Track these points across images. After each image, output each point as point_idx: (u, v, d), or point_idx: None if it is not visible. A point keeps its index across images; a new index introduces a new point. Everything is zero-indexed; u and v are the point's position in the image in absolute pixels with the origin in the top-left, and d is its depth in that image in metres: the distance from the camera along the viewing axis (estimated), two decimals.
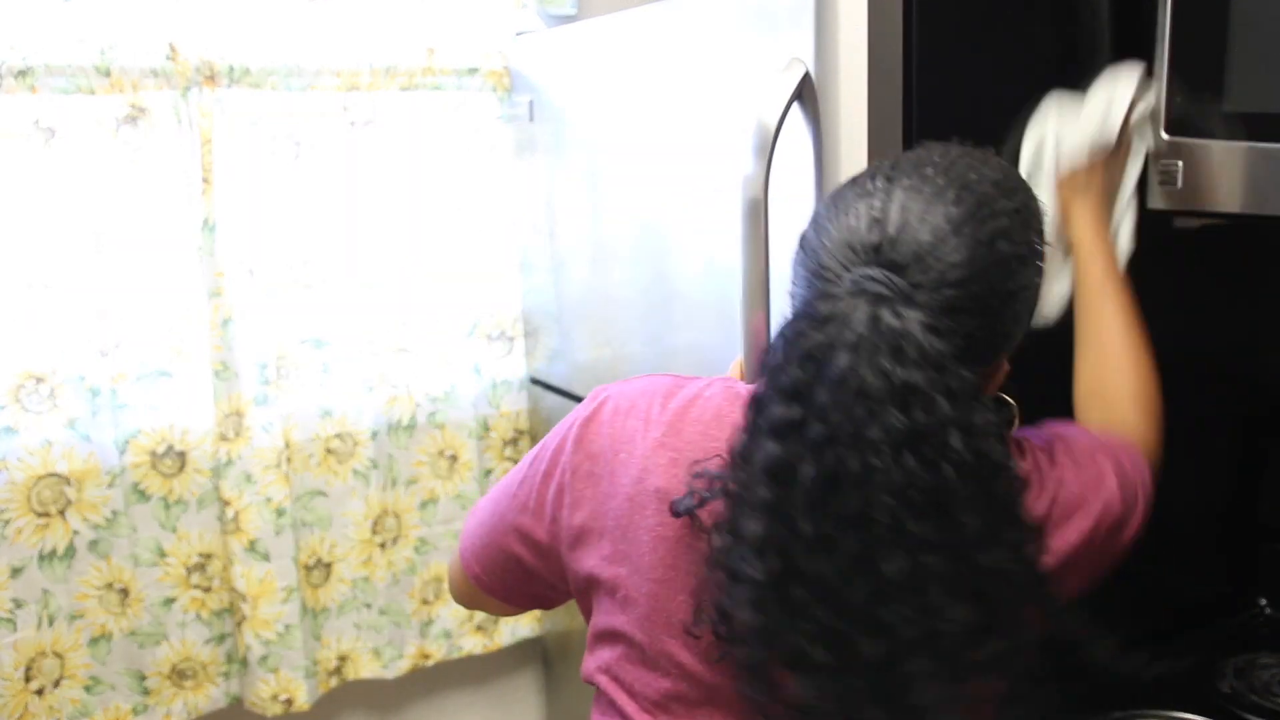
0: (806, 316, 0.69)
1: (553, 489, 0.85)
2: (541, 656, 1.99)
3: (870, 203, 0.71)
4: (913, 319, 0.66)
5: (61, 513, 1.51)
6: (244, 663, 1.66)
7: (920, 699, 0.68)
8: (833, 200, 0.75)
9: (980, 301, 0.69)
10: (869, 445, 0.65)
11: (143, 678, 1.62)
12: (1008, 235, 0.71)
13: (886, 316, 0.66)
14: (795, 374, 0.68)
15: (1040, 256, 0.75)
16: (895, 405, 0.65)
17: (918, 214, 0.70)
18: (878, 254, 0.69)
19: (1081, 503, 0.79)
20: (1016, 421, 0.82)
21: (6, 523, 1.47)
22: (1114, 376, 0.95)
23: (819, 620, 0.68)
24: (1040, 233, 0.76)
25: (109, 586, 1.56)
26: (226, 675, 1.68)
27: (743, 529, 0.70)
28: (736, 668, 0.74)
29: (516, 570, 0.91)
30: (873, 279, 0.68)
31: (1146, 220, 1.10)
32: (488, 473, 1.84)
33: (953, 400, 0.66)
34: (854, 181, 0.75)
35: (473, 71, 1.70)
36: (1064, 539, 0.78)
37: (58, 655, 1.54)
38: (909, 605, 0.66)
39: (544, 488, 0.86)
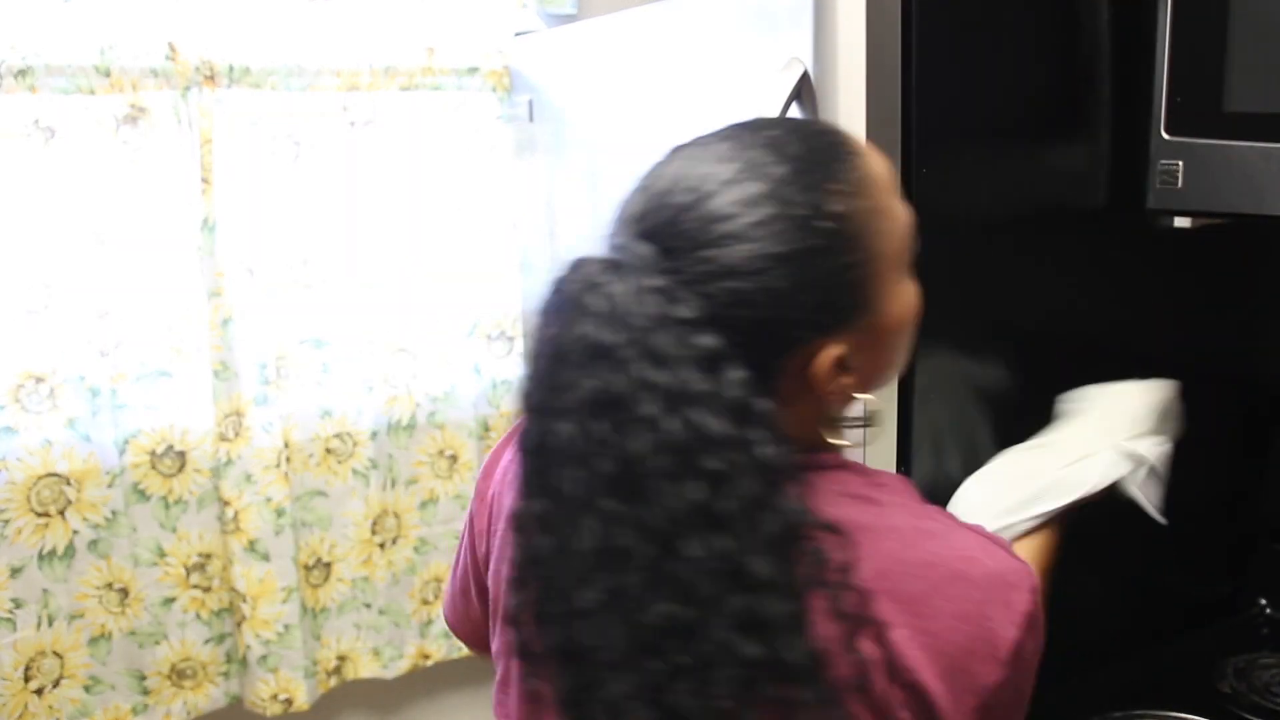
0: (550, 284, 0.67)
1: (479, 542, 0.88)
2: None
3: (649, 172, 0.70)
4: (632, 279, 0.63)
5: (61, 513, 1.51)
6: (244, 662, 1.66)
7: (612, 693, 0.63)
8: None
9: (730, 268, 0.63)
10: (564, 411, 0.63)
11: (142, 677, 1.62)
12: (771, 197, 0.64)
13: (601, 276, 0.64)
14: (534, 344, 0.68)
15: (835, 226, 0.66)
16: (589, 368, 0.62)
17: (678, 178, 0.67)
18: (636, 223, 0.67)
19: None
20: (866, 424, 0.73)
21: (6, 522, 1.47)
22: None
23: (547, 602, 0.67)
24: (834, 194, 0.66)
25: (109, 586, 1.56)
26: (226, 675, 1.68)
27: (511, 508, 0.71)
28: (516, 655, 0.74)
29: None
30: (616, 247, 0.67)
31: (1147, 220, 1.10)
32: None
33: (655, 363, 0.61)
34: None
35: (472, 71, 1.70)
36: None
37: (57, 655, 1.54)
38: (603, 589, 0.62)
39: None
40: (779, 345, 0.66)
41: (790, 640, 0.61)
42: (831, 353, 0.66)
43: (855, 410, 0.74)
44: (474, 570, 0.89)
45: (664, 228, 0.66)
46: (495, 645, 0.82)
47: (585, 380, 0.62)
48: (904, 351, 0.75)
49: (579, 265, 0.66)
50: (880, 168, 0.71)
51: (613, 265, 0.64)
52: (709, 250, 0.64)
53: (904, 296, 0.72)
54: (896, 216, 0.70)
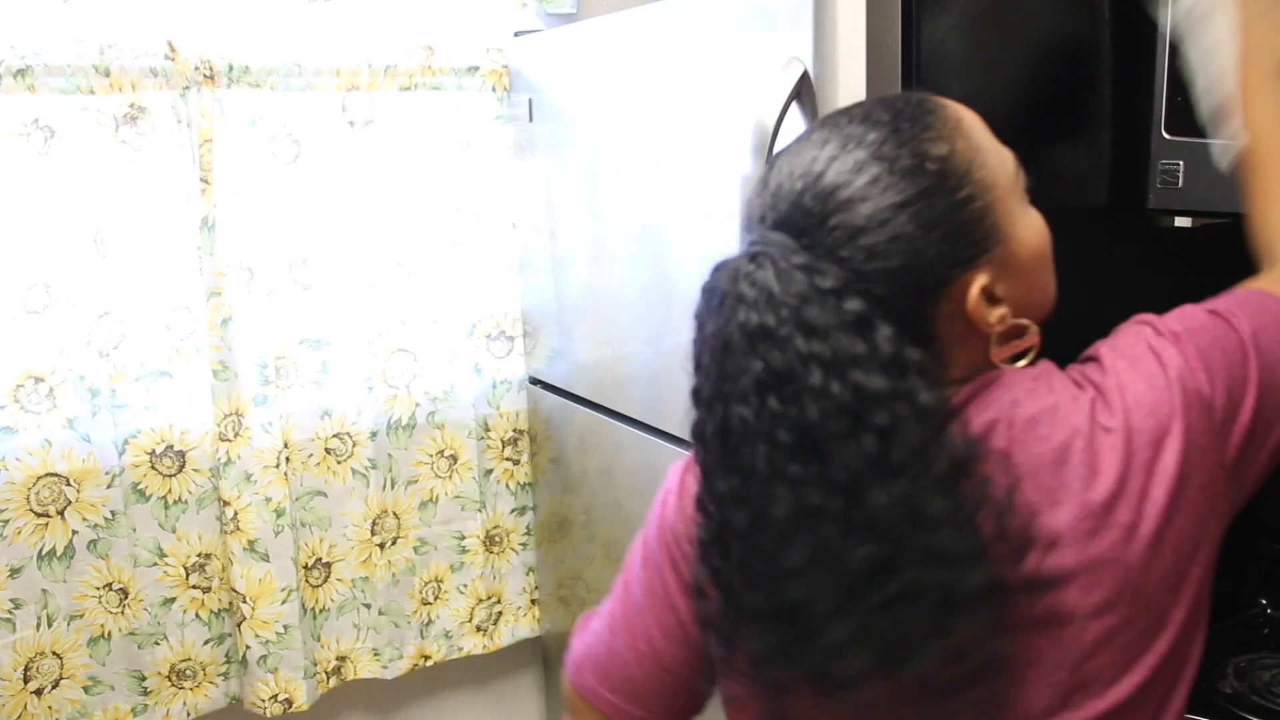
0: (701, 291, 0.73)
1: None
2: (541, 657, 1.99)
3: (759, 178, 0.75)
4: (770, 264, 0.68)
5: (61, 513, 1.51)
6: (243, 663, 1.66)
7: (831, 638, 0.68)
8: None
9: (858, 228, 0.69)
10: (739, 396, 0.68)
11: (142, 678, 1.61)
12: (876, 158, 0.70)
13: (745, 267, 0.69)
14: (695, 345, 0.73)
15: (941, 166, 0.71)
16: (752, 352, 0.67)
17: (789, 171, 0.72)
18: (762, 222, 0.72)
19: (1156, 405, 0.71)
20: (1032, 350, 0.75)
21: (6, 523, 1.47)
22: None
23: (750, 569, 0.71)
24: (932, 140, 0.71)
25: (108, 586, 1.56)
26: (226, 675, 1.68)
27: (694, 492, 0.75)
28: (702, 626, 0.77)
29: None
30: (751, 243, 0.71)
31: (1147, 220, 1.10)
32: (488, 473, 1.84)
33: (810, 335, 0.66)
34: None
35: (472, 71, 1.70)
36: (1163, 460, 0.70)
37: (57, 655, 1.54)
38: (807, 547, 0.67)
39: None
40: (924, 289, 0.70)
41: (968, 566, 0.66)
42: (978, 284, 0.71)
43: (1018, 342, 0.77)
44: (680, 606, 0.83)
45: (789, 214, 0.71)
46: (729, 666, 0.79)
47: (753, 363, 0.67)
48: (1050, 280, 0.78)
49: (721, 266, 0.71)
50: (969, 115, 0.75)
51: (754, 256, 0.69)
52: (835, 218, 0.69)
53: (1031, 224, 0.76)
54: (996, 151, 0.75)
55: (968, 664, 0.68)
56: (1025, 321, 0.74)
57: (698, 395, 0.72)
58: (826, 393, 0.65)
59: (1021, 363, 0.75)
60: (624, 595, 0.86)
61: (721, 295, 0.70)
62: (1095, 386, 0.73)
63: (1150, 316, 0.77)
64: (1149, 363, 0.73)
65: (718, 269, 0.72)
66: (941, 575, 0.66)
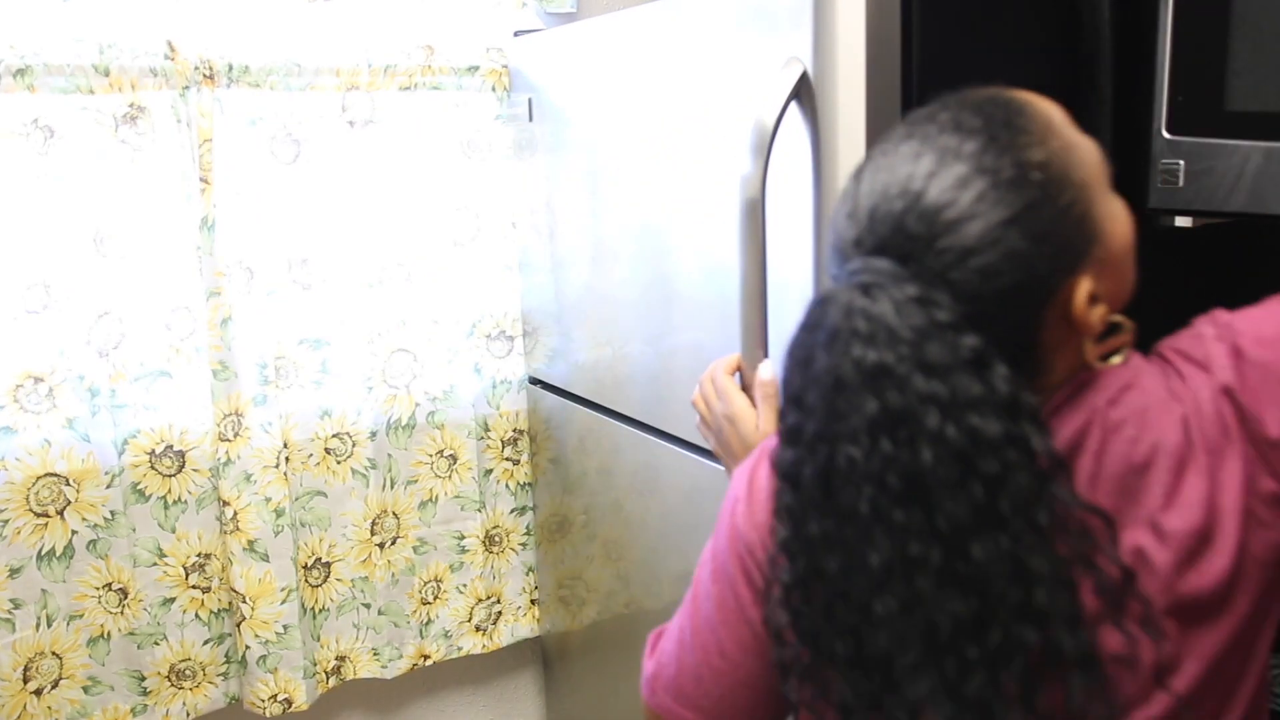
0: (801, 325, 0.70)
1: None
2: (540, 656, 1.99)
3: (846, 197, 0.72)
4: (886, 297, 0.65)
5: (60, 513, 1.51)
6: (243, 663, 1.65)
7: (914, 693, 0.66)
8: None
9: (968, 249, 0.66)
10: (848, 436, 0.65)
11: (141, 678, 1.61)
12: (979, 171, 0.67)
13: (858, 301, 0.66)
14: (794, 380, 0.70)
15: (1043, 173, 0.68)
16: (868, 390, 0.64)
17: (882, 190, 0.69)
18: (859, 247, 0.69)
19: (1219, 416, 0.70)
20: (1126, 349, 0.73)
21: (5, 523, 1.47)
22: None
23: (837, 616, 0.69)
24: (1029, 146, 0.69)
25: (108, 587, 1.56)
26: (225, 675, 1.68)
27: (777, 534, 0.73)
28: (780, 670, 0.74)
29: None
30: (854, 272, 0.68)
31: (1147, 220, 1.10)
32: (487, 473, 1.84)
33: (930, 374, 0.63)
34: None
35: (472, 71, 1.70)
36: (1223, 480, 0.69)
37: (56, 655, 1.54)
38: (898, 597, 0.65)
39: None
40: (1035, 302, 0.68)
41: (1067, 629, 0.64)
42: (1084, 288, 0.69)
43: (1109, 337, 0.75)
44: (754, 618, 0.80)
45: (891, 238, 0.68)
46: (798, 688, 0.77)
47: (868, 402, 0.64)
48: (1133, 268, 0.76)
49: (828, 299, 0.68)
50: (1051, 109, 0.73)
51: (866, 288, 0.66)
52: (943, 240, 0.66)
53: (1119, 215, 0.73)
54: (1084, 145, 0.72)
55: None
56: (1120, 318, 0.73)
57: (797, 434, 0.69)
58: (942, 437, 0.63)
59: (1116, 359, 0.73)
60: (694, 610, 0.83)
61: (833, 330, 0.66)
62: (1181, 390, 0.71)
63: (1222, 317, 0.76)
64: (1199, 367, 0.72)
65: (823, 302, 0.68)
66: (1035, 636, 0.64)
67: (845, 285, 0.68)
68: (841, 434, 0.66)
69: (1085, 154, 0.72)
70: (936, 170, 0.67)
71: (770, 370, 1.02)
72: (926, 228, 0.66)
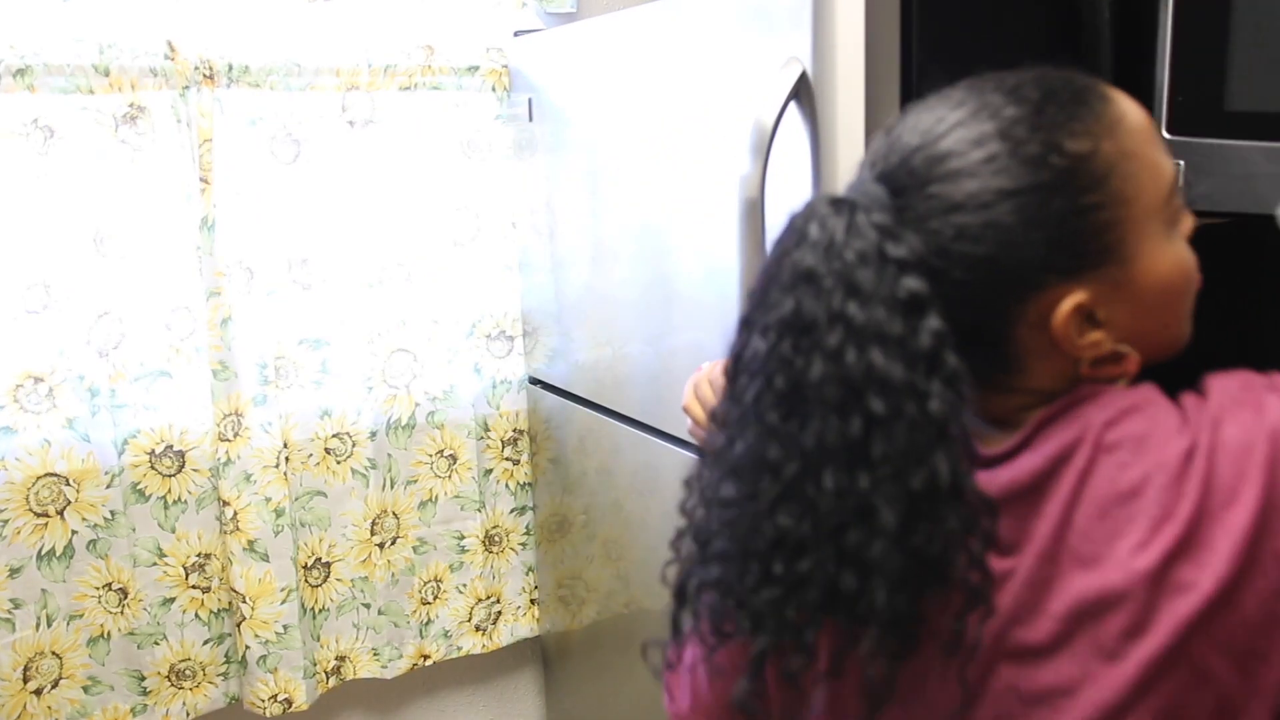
0: (786, 219, 0.69)
1: None
2: (540, 656, 1.99)
3: (892, 122, 0.71)
4: (846, 214, 0.64)
5: (60, 513, 1.51)
6: (243, 663, 1.66)
7: (705, 576, 0.68)
8: None
9: (955, 203, 0.64)
10: (761, 327, 0.66)
11: (141, 678, 1.61)
12: (1002, 135, 0.64)
13: (822, 209, 0.65)
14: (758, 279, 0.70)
15: (1073, 164, 0.64)
16: (790, 290, 0.64)
17: (913, 124, 0.68)
18: (871, 168, 0.69)
19: (1246, 455, 0.61)
20: (1125, 374, 0.68)
21: (5, 523, 1.47)
22: None
23: (705, 495, 0.70)
24: (1075, 133, 0.64)
25: (107, 586, 1.56)
26: (225, 675, 1.68)
27: None
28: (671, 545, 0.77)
29: None
30: (850, 187, 0.69)
31: None
32: (487, 473, 1.84)
33: (850, 295, 0.62)
34: None
35: (472, 70, 1.70)
36: (1228, 525, 0.60)
37: (56, 655, 1.54)
38: (740, 491, 0.66)
39: None
40: (1008, 286, 0.65)
41: (888, 589, 0.62)
42: (1072, 300, 0.65)
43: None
44: None
45: (895, 169, 0.67)
46: None
47: (786, 301, 0.64)
48: (1180, 318, 0.70)
49: (812, 202, 0.67)
50: (1137, 115, 0.69)
51: (838, 202, 0.66)
52: (935, 186, 0.65)
53: (1169, 254, 0.67)
54: (1153, 166, 0.67)
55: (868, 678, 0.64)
56: (1123, 348, 0.67)
57: (741, 314, 0.70)
58: (838, 357, 0.62)
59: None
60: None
61: (792, 230, 0.66)
62: (1194, 422, 0.64)
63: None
64: (1248, 409, 0.63)
65: (808, 203, 0.67)
66: (852, 584, 0.63)
67: (826, 197, 0.67)
68: (757, 323, 0.66)
69: (1147, 172, 0.66)
70: (965, 120, 0.66)
71: None
72: (926, 169, 0.65)
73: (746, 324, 0.68)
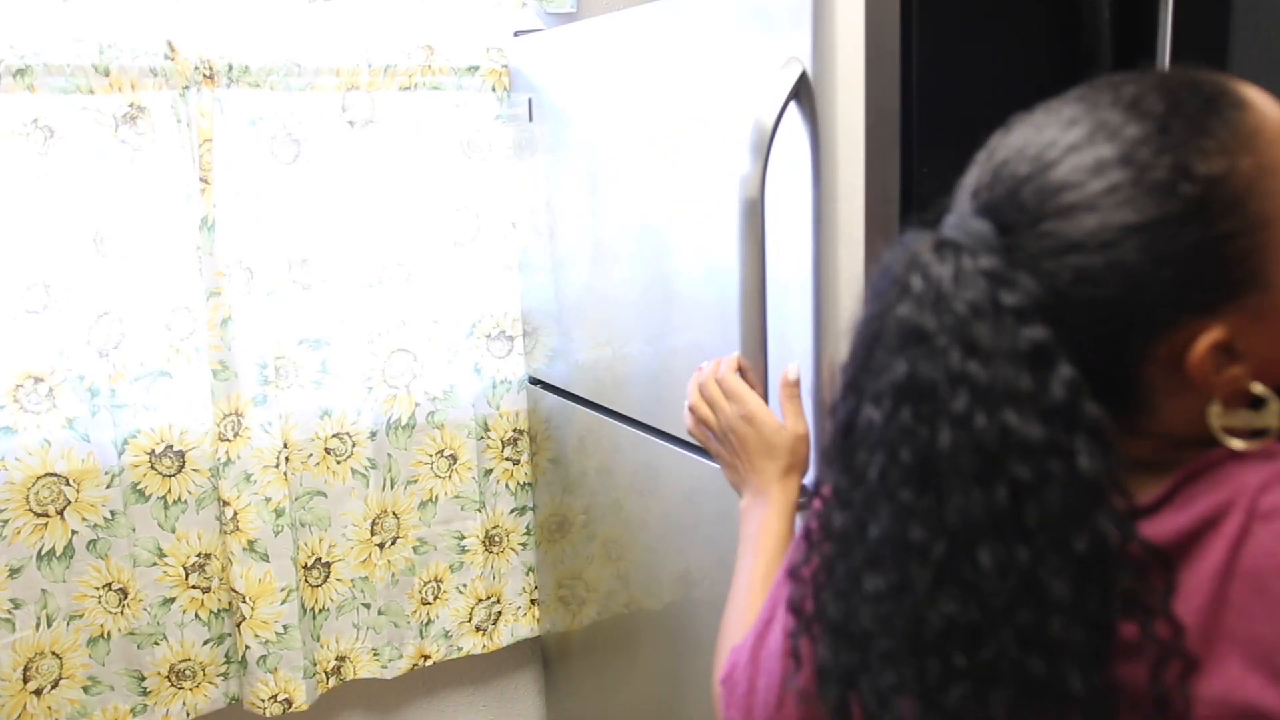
0: (879, 263, 0.63)
1: None
2: (540, 656, 1.99)
3: (992, 141, 0.64)
4: (953, 260, 0.58)
5: (60, 513, 1.51)
6: (243, 663, 1.66)
7: (884, 681, 0.60)
8: None
9: (1072, 243, 0.57)
10: (873, 393, 0.60)
11: (141, 678, 1.61)
12: (1124, 161, 0.57)
13: (925, 255, 0.59)
14: (855, 325, 0.64)
15: (1205, 190, 0.57)
16: (901, 351, 0.58)
17: (1020, 147, 0.61)
18: (975, 197, 0.62)
19: None
20: (1269, 435, 0.60)
21: (5, 523, 1.47)
22: None
23: (835, 575, 0.64)
24: (1206, 152, 0.57)
25: (107, 586, 1.56)
26: (225, 675, 1.68)
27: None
28: (789, 611, 0.72)
29: None
30: (950, 224, 0.61)
31: None
32: (487, 473, 1.84)
33: (970, 354, 0.56)
34: None
35: (472, 70, 1.70)
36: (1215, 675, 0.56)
37: (56, 655, 1.54)
38: (888, 579, 0.59)
39: None
40: (1137, 328, 0.58)
41: (1080, 668, 0.56)
42: (1210, 337, 0.57)
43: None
44: None
45: (1002, 202, 0.60)
46: None
47: (898, 364, 0.58)
48: None
49: (907, 242, 0.61)
50: (1277, 118, 0.60)
51: (942, 244, 0.59)
52: (1049, 224, 0.58)
53: None
54: None
55: None
56: (1262, 390, 0.59)
57: (843, 376, 0.64)
58: (967, 423, 0.56)
59: (1252, 443, 0.60)
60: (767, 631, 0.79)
61: (891, 278, 0.60)
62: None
63: None
64: None
65: (901, 245, 0.61)
66: (1041, 667, 0.56)
67: (928, 234, 0.61)
68: (867, 389, 0.60)
69: None
70: (1080, 145, 0.58)
71: (798, 371, 1.02)
72: (1038, 203, 0.58)
73: (853, 390, 0.62)
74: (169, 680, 1.64)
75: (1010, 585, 0.56)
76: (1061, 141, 0.59)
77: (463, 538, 1.82)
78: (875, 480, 0.60)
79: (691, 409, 1.07)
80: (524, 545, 1.89)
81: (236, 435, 1.59)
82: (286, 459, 1.64)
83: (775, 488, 0.96)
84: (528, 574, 1.90)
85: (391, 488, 1.75)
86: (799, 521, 0.84)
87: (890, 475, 0.59)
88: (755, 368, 1.04)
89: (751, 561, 0.92)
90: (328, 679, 1.75)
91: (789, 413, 1.00)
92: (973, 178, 0.63)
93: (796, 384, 1.01)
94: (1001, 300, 0.57)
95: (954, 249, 0.58)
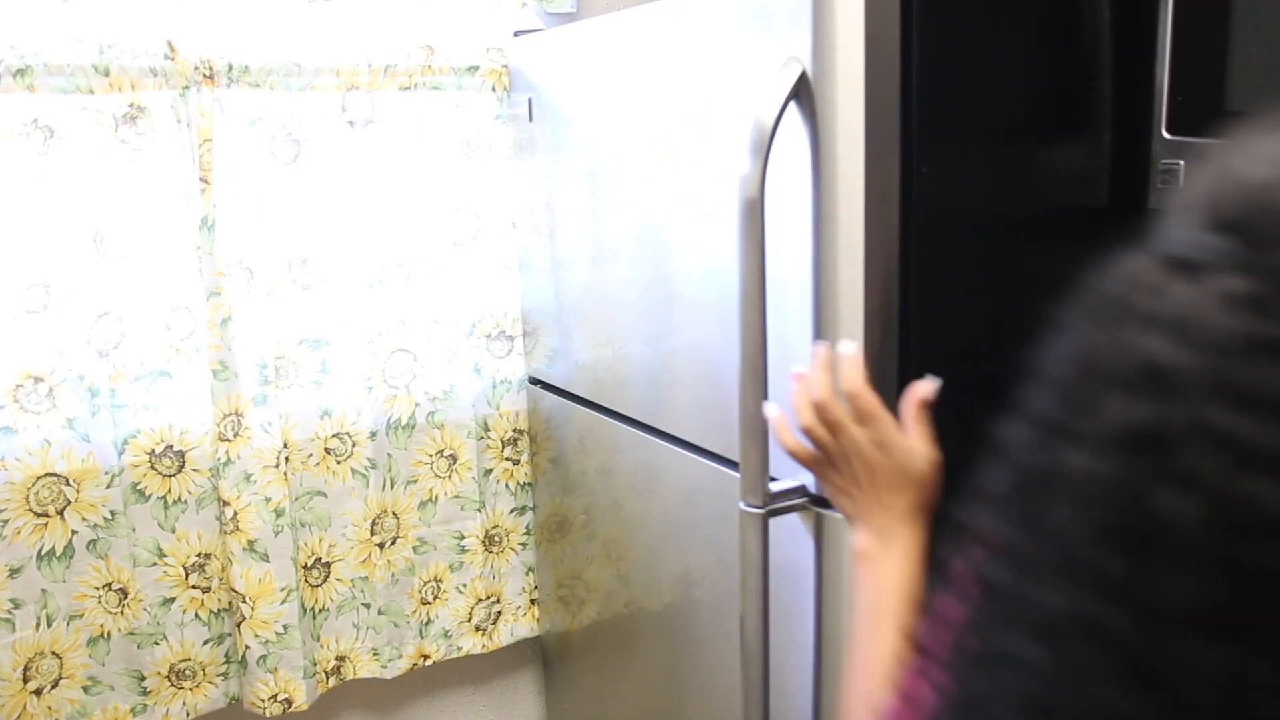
0: (1078, 287, 0.51)
1: None
2: (540, 656, 1.99)
3: (1221, 148, 0.50)
4: (1208, 284, 0.44)
5: (60, 513, 1.51)
6: (243, 663, 1.66)
7: None
8: None
9: None
10: (1077, 435, 0.47)
11: (141, 678, 1.61)
12: None
13: (1157, 275, 0.46)
14: (1049, 350, 0.51)
15: None
16: (1134, 392, 0.45)
17: (1265, 158, 0.47)
18: (1204, 212, 0.48)
19: None
20: None
21: (5, 523, 1.47)
22: None
23: (1017, 661, 0.49)
24: None
25: (107, 586, 1.56)
26: (225, 675, 1.68)
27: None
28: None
29: None
30: (1179, 239, 0.47)
31: (1147, 220, 1.10)
32: (487, 473, 1.84)
33: (1233, 403, 0.43)
34: None
35: (472, 70, 1.70)
36: None
37: (56, 655, 1.54)
38: (1050, 659, 0.47)
39: None
40: None
41: None
42: None
43: None
44: None
45: (1252, 215, 0.46)
46: None
47: (1123, 407, 0.45)
48: None
49: (1124, 261, 0.49)
50: None
51: (1175, 263, 0.46)
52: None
53: None
54: None
55: None
56: None
57: (1028, 407, 0.50)
58: (1221, 494, 0.42)
59: None
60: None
61: (1109, 299, 0.48)
62: None
63: None
64: None
65: (1117, 263, 0.49)
66: None
67: (1147, 251, 0.48)
68: (1069, 429, 0.47)
69: None
70: None
71: (933, 387, 0.91)
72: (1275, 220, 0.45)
73: (1056, 432, 0.48)
74: (169, 680, 1.64)
75: (1215, 699, 0.43)
76: None
77: (463, 538, 1.82)
78: (1068, 541, 0.46)
79: (807, 431, 0.93)
80: (524, 545, 1.89)
81: (236, 435, 1.59)
82: (286, 459, 1.64)
83: (903, 531, 0.86)
84: (527, 574, 1.90)
85: (391, 488, 1.75)
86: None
87: (1092, 539, 0.45)
88: (756, 368, 1.04)
89: (886, 627, 0.82)
90: (328, 679, 1.75)
91: (917, 436, 0.90)
92: (1202, 188, 0.49)
93: (929, 402, 0.90)
94: (1268, 334, 0.43)
95: (1192, 268, 0.46)
